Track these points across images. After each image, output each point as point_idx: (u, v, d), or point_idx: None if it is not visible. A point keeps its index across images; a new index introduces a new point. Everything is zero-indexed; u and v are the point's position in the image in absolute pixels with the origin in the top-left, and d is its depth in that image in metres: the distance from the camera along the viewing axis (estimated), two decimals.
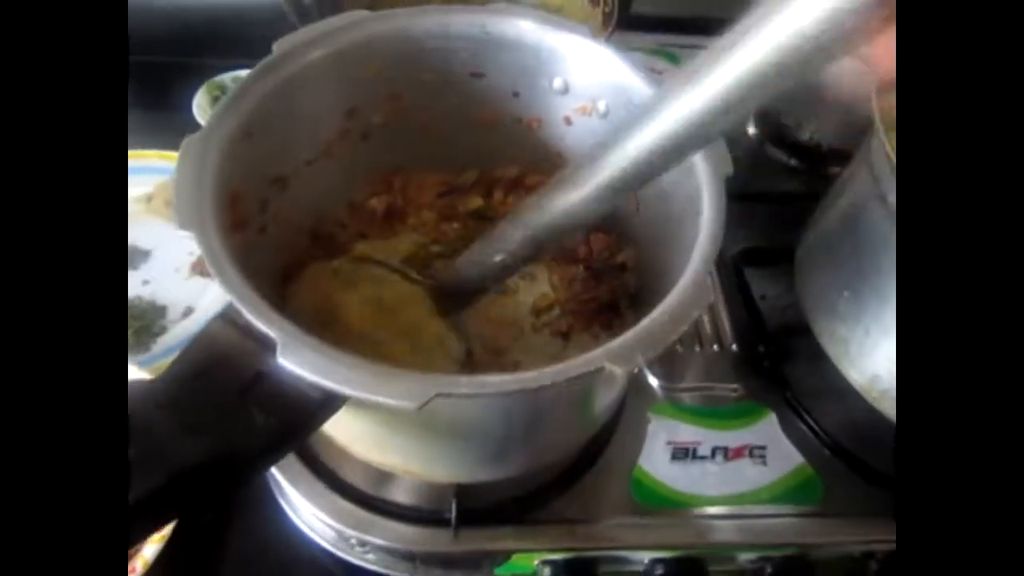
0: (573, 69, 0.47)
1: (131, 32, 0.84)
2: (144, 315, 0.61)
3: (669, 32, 0.87)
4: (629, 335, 0.31)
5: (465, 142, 0.52)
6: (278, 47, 0.42)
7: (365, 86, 0.47)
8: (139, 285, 0.64)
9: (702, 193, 0.38)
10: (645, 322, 0.32)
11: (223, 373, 0.30)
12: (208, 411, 0.29)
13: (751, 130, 0.77)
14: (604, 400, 0.45)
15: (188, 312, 0.63)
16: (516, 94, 0.50)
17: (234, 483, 0.29)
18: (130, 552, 0.45)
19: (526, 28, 0.46)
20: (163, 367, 0.56)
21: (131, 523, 0.26)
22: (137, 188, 0.69)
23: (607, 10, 0.70)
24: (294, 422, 0.30)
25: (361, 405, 0.33)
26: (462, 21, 0.46)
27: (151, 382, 0.30)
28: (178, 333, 0.61)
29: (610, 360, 0.30)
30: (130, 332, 0.60)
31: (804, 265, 0.56)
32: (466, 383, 0.29)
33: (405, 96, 0.49)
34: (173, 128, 0.74)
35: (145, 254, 0.66)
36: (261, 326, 0.30)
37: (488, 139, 0.52)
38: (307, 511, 0.48)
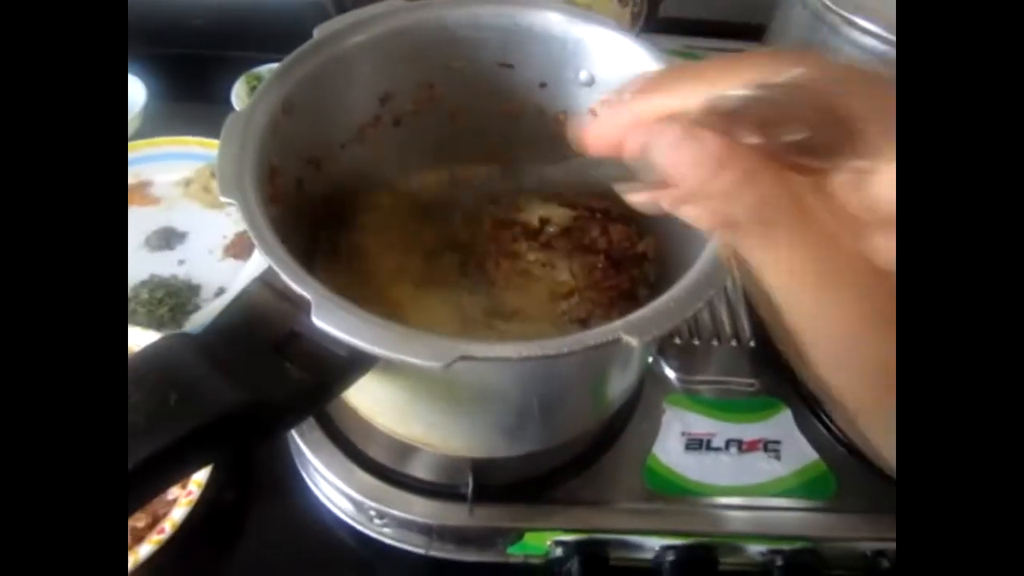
0: (599, 61, 0.49)
1: (174, 25, 0.88)
2: (179, 293, 0.64)
3: (695, 35, 0.87)
4: (646, 309, 0.33)
5: (493, 131, 0.54)
6: (319, 31, 0.44)
7: (399, 73, 0.49)
8: (175, 265, 0.66)
9: None
10: (663, 298, 0.33)
11: (260, 329, 0.32)
12: (246, 362, 0.30)
13: None
14: (620, 381, 0.46)
15: (220, 292, 0.65)
16: (543, 85, 0.51)
17: (267, 431, 0.30)
18: (159, 516, 0.47)
19: (554, 20, 0.48)
20: None
21: (171, 463, 0.28)
22: (177, 173, 0.72)
23: (635, 10, 0.71)
24: (325, 379, 0.31)
25: (388, 368, 0.34)
26: (493, 12, 0.48)
27: (194, 335, 0.31)
28: (211, 311, 0.62)
29: (627, 332, 0.31)
30: (165, 309, 0.62)
31: None
32: (488, 347, 0.31)
33: (436, 84, 0.51)
34: (212, 117, 0.76)
35: (182, 236, 0.69)
36: (296, 287, 0.31)
37: (515, 129, 0.54)
38: (328, 482, 0.49)
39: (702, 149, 0.21)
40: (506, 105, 0.53)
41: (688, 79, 0.23)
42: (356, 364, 0.32)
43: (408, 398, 0.39)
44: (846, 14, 0.55)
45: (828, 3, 0.56)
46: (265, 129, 0.40)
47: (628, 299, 0.50)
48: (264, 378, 0.30)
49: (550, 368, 0.35)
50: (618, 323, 0.32)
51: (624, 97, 0.25)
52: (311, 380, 0.31)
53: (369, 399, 0.42)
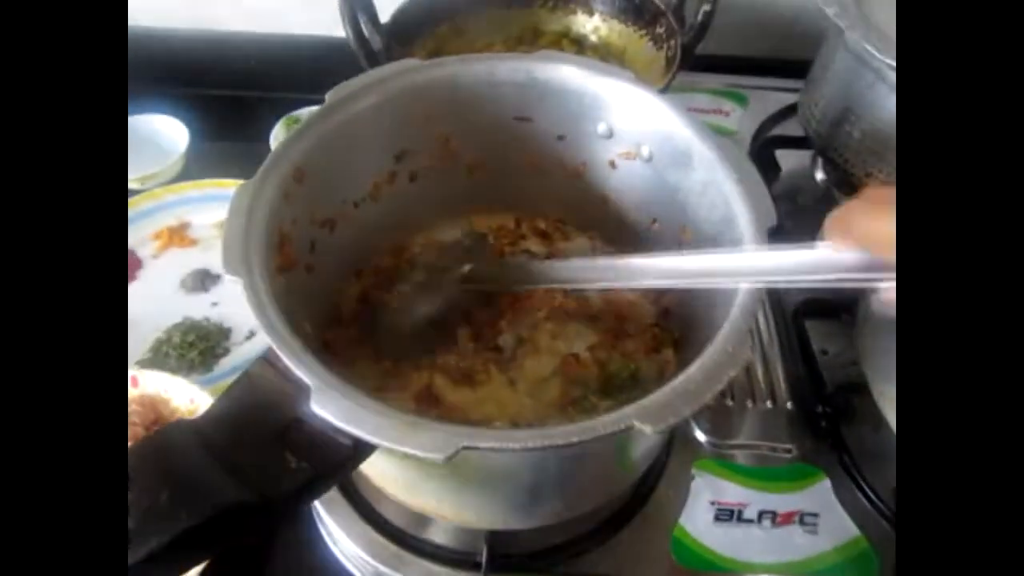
0: (617, 114, 0.47)
1: (217, 66, 0.91)
2: (210, 336, 0.64)
3: (735, 73, 0.86)
4: (661, 393, 0.31)
5: (511, 183, 0.53)
6: (332, 95, 0.44)
7: (415, 130, 0.48)
8: (208, 307, 0.67)
9: (743, 244, 0.37)
10: (679, 379, 0.32)
11: (262, 417, 0.31)
12: (247, 453, 0.30)
13: (819, 175, 0.74)
14: (640, 451, 0.44)
15: (251, 336, 0.65)
16: (561, 137, 0.50)
17: (267, 524, 0.29)
18: None
19: (571, 74, 0.47)
20: (221, 389, 0.58)
21: (165, 564, 0.27)
22: (214, 215, 0.73)
23: (670, 54, 0.69)
24: (326, 469, 0.30)
25: (392, 452, 0.33)
26: (508, 67, 0.47)
27: (194, 421, 0.31)
28: (240, 355, 0.63)
29: (640, 419, 0.29)
30: (195, 353, 0.63)
31: (867, 322, 0.53)
32: (492, 437, 0.29)
33: (453, 139, 0.50)
34: (252, 158, 0.78)
35: (216, 278, 0.69)
36: (298, 372, 0.31)
37: (534, 181, 0.53)
38: (344, 542, 0.48)
39: None
40: (524, 158, 0.52)
41: None
42: (358, 451, 0.31)
43: (417, 475, 0.38)
44: (890, 62, 0.53)
45: (871, 50, 0.54)
46: (275, 199, 0.39)
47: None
48: (263, 471, 0.29)
49: (560, 452, 0.34)
50: (630, 409, 0.30)
51: None
52: (313, 471, 0.30)
53: (379, 472, 0.41)
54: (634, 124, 0.47)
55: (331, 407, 0.29)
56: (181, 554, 0.27)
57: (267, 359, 0.33)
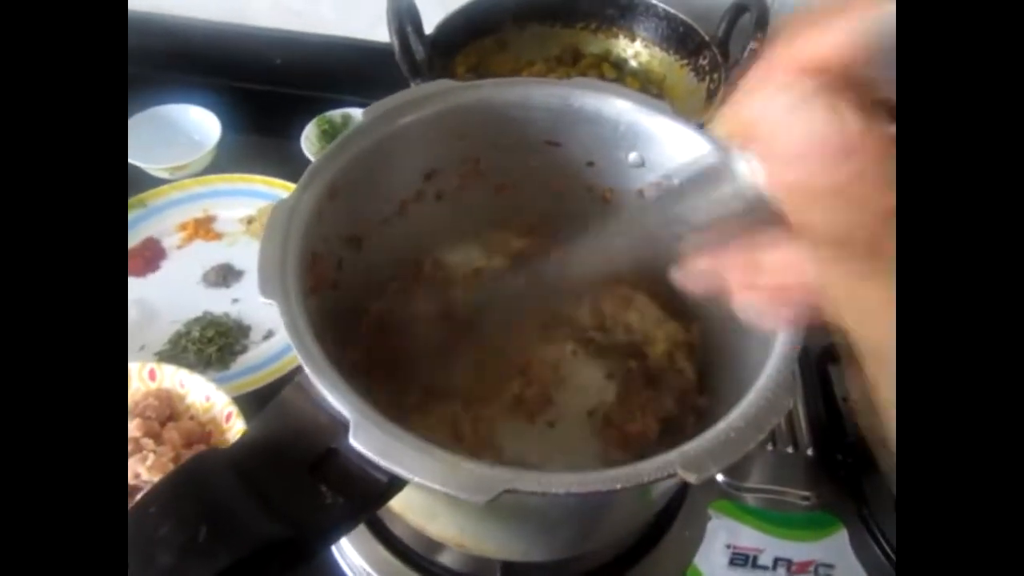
0: (651, 144, 0.47)
1: (254, 61, 0.91)
2: (229, 333, 0.64)
3: None
4: (704, 440, 0.31)
5: (538, 206, 0.53)
6: (368, 113, 0.43)
7: (445, 150, 0.48)
8: (228, 303, 0.66)
9: None
10: (721, 425, 0.31)
11: (296, 447, 0.30)
12: (281, 486, 0.29)
13: None
14: (663, 488, 0.43)
15: (269, 335, 0.64)
16: (591, 164, 0.50)
17: (299, 561, 0.29)
18: None
19: (606, 102, 0.46)
20: (238, 387, 0.58)
21: None
22: (240, 210, 0.73)
23: (712, 87, 0.68)
24: (361, 503, 0.30)
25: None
26: (543, 92, 0.47)
27: (228, 450, 0.30)
28: (257, 354, 0.63)
29: (683, 467, 0.29)
30: (213, 349, 0.62)
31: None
32: (535, 480, 0.29)
33: (482, 160, 0.50)
34: (280, 155, 0.79)
35: (239, 274, 0.69)
36: (336, 403, 0.30)
37: (560, 205, 0.52)
38: (353, 556, 0.48)
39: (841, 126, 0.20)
40: (552, 182, 0.51)
41: None
42: (394, 485, 0.30)
43: (443, 506, 0.38)
44: None
45: None
46: (310, 217, 0.39)
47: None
48: (299, 506, 0.28)
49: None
50: (674, 455, 0.30)
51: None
52: (347, 504, 0.29)
53: (401, 499, 0.40)
54: (666, 155, 0.47)
55: (370, 443, 0.29)
56: None
57: (300, 384, 0.33)
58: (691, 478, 0.29)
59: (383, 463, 0.28)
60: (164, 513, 0.26)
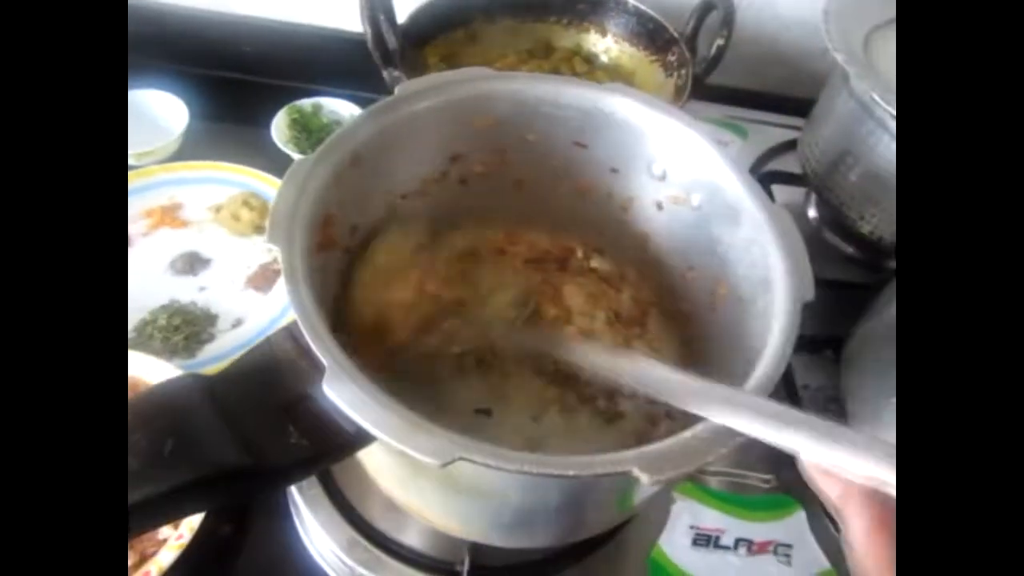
0: (674, 159, 0.47)
1: (224, 49, 0.90)
2: (196, 321, 0.63)
3: (739, 105, 0.86)
4: (665, 444, 0.31)
5: (558, 205, 0.53)
6: (400, 90, 0.45)
7: (473, 136, 0.49)
8: (196, 291, 0.65)
9: (774, 313, 0.37)
10: (686, 434, 0.31)
11: (274, 386, 0.32)
12: (252, 419, 0.30)
13: (811, 213, 0.75)
14: (642, 497, 0.43)
15: (238, 323, 0.63)
16: (614, 170, 0.50)
17: (258, 490, 0.30)
18: (146, 556, 0.45)
19: (636, 111, 0.47)
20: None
21: (159, 508, 0.28)
22: (209, 198, 0.72)
23: (680, 82, 0.69)
24: (325, 449, 0.31)
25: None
26: (575, 92, 0.48)
27: (209, 377, 0.32)
28: (225, 343, 0.62)
29: (640, 467, 0.29)
30: (180, 337, 0.61)
31: (851, 363, 0.54)
32: (491, 453, 0.29)
33: (508, 151, 0.51)
34: (250, 143, 0.77)
35: (206, 262, 0.68)
36: (316, 351, 0.31)
37: (578, 206, 0.53)
38: (320, 539, 0.48)
39: None
40: (575, 183, 0.52)
41: None
42: (359, 438, 0.31)
43: (409, 472, 0.39)
44: (893, 111, 0.53)
45: (876, 98, 0.53)
46: (329, 178, 0.40)
47: None
48: (265, 440, 0.30)
49: (554, 482, 0.34)
50: (631, 454, 0.30)
51: None
52: (311, 448, 0.30)
53: (375, 460, 0.41)
54: (689, 172, 0.47)
55: (340, 391, 0.30)
56: (172, 505, 0.28)
57: (290, 330, 0.34)
58: (644, 479, 0.29)
59: (349, 412, 0.30)
60: (138, 422, 0.27)
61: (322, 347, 0.31)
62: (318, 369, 0.31)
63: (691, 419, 0.32)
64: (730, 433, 0.31)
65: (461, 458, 0.29)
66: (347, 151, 0.42)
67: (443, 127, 0.47)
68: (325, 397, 0.30)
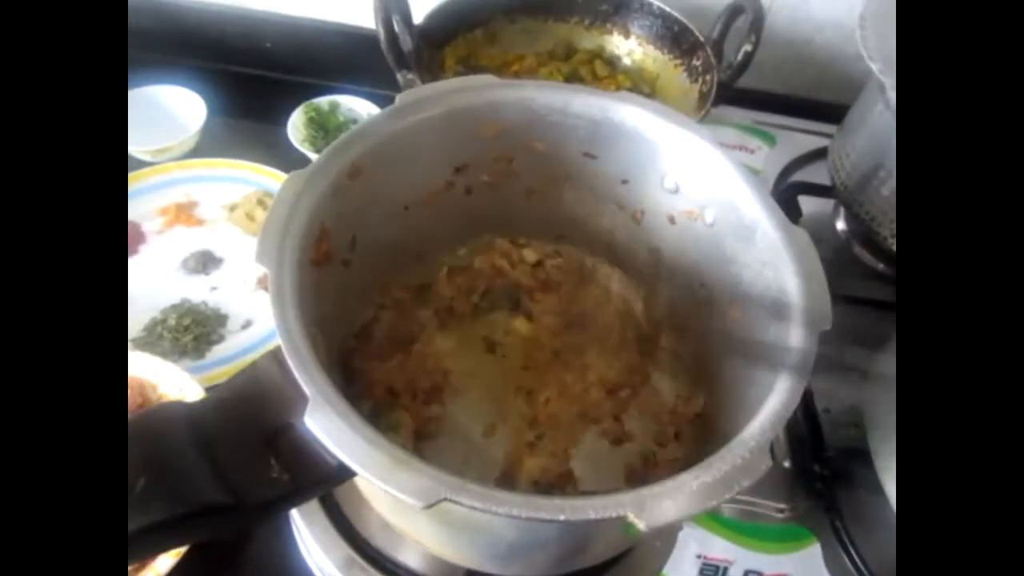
0: (688, 172, 0.45)
1: (244, 45, 0.89)
2: (206, 321, 0.62)
3: (767, 110, 0.82)
4: (663, 487, 0.29)
5: (564, 215, 0.52)
6: (401, 99, 0.43)
7: (479, 145, 0.47)
8: (207, 291, 0.65)
9: (788, 340, 0.35)
10: (685, 475, 0.30)
11: (257, 415, 0.31)
12: (232, 451, 0.29)
13: (840, 225, 0.71)
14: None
15: (247, 325, 0.63)
16: (625, 182, 0.48)
17: (238, 526, 0.29)
18: (145, 564, 0.45)
19: (647, 121, 0.45)
20: (211, 378, 0.57)
21: (140, 544, 0.27)
22: (224, 196, 0.72)
23: (705, 89, 0.67)
24: (307, 483, 0.30)
25: None
26: (584, 101, 0.46)
27: (189, 406, 0.31)
28: (234, 344, 0.61)
29: (635, 511, 0.28)
30: (189, 338, 0.61)
31: (875, 389, 0.51)
32: (478, 494, 0.28)
33: (516, 161, 0.49)
34: (266, 141, 0.77)
35: (218, 261, 0.67)
36: (299, 379, 0.30)
37: (588, 217, 0.51)
38: (319, 554, 0.47)
39: None
40: (584, 194, 0.50)
41: None
42: (342, 472, 0.30)
43: (399, 502, 0.37)
44: None
45: None
46: (325, 192, 0.39)
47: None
48: (245, 474, 0.29)
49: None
50: (627, 497, 0.28)
51: None
52: (292, 483, 0.29)
53: (366, 484, 0.40)
54: (703, 187, 0.45)
55: (323, 423, 0.29)
56: (148, 540, 0.27)
57: (276, 355, 0.33)
58: (641, 524, 0.28)
59: (330, 447, 0.28)
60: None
61: (306, 376, 0.30)
62: (302, 398, 0.30)
63: (701, 440, 0.31)
64: (734, 479, 0.29)
65: (447, 499, 0.27)
66: (345, 163, 0.40)
67: (447, 137, 0.45)
68: (308, 428, 0.29)
